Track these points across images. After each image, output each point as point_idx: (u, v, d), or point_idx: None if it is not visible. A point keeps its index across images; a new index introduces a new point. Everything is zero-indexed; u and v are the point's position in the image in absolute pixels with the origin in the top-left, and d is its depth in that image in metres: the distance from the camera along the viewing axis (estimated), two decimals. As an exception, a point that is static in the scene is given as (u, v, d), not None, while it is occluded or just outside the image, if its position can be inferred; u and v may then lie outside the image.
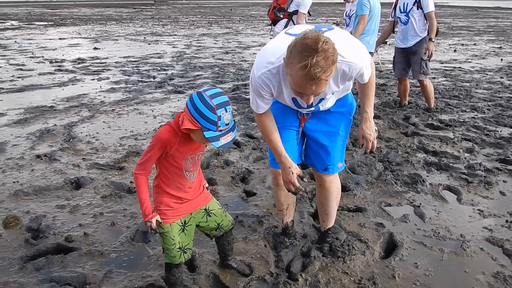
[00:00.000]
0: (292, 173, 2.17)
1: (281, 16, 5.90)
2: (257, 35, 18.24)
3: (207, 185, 2.35)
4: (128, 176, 3.74)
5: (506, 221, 3.11)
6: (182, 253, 2.14)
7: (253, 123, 5.45)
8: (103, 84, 7.72)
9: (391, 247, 2.83)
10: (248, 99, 6.72)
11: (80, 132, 4.93)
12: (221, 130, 1.84)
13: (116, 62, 10.37)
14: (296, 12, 5.97)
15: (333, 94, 2.25)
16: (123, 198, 3.35)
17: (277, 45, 2.00)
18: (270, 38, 6.44)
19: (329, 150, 2.46)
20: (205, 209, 2.24)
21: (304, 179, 2.22)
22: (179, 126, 1.93)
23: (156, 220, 2.01)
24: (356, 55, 2.03)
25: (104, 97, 6.77)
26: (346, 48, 1.94)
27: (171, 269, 2.19)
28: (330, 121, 2.44)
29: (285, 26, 5.84)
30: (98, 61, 10.57)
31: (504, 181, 3.80)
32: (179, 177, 2.05)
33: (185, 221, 2.15)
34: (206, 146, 2.18)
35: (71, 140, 4.62)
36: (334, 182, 2.60)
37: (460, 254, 2.71)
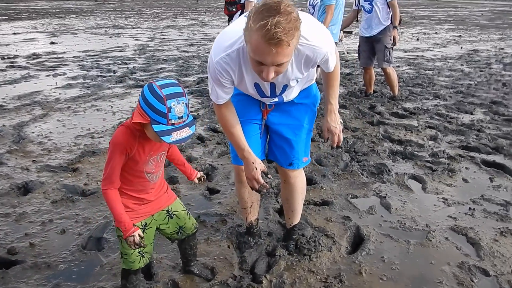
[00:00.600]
0: (256, 169, 2.05)
1: (234, 9, 5.77)
2: (223, 26, 17.94)
3: (199, 175, 2.23)
4: (82, 178, 3.52)
5: (469, 208, 3.10)
6: (141, 258, 1.98)
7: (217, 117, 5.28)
8: (59, 80, 7.33)
9: (358, 241, 2.76)
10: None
11: (31, 132, 4.63)
12: (173, 124, 1.66)
13: (74, 57, 9.92)
14: None
15: (297, 82, 2.11)
16: (76, 202, 3.13)
17: (235, 28, 1.86)
18: None
19: (293, 144, 2.34)
20: (167, 211, 2.08)
21: (268, 176, 2.09)
22: (136, 127, 1.77)
23: (139, 234, 1.83)
24: (321, 39, 1.90)
25: (60, 94, 6.43)
26: (310, 31, 1.82)
27: (129, 276, 2.03)
28: (294, 113, 2.32)
29: None
30: (55, 56, 10.08)
31: (466, 168, 3.81)
32: (140, 179, 1.89)
33: (145, 223, 1.98)
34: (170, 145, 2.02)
35: (20, 141, 4.32)
36: (299, 177, 2.48)
37: (426, 245, 2.67)
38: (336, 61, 2.09)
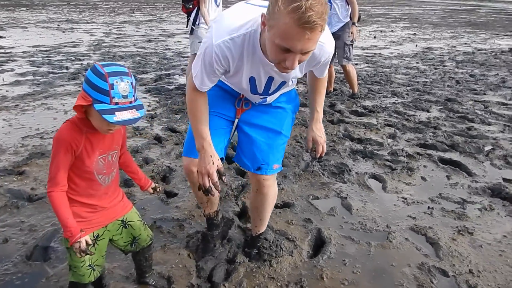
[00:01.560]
0: (213, 163, 1.86)
1: (191, 6, 5.63)
2: (182, 22, 17.62)
3: (153, 185, 2.08)
4: (29, 182, 3.29)
5: (428, 207, 3.14)
6: (91, 271, 1.83)
7: (176, 116, 5.13)
8: (6, 77, 6.91)
9: (319, 244, 2.72)
10: (171, 90, 6.38)
11: (-26, 133, 4.31)
12: (116, 103, 1.53)
13: (23, 52, 9.40)
14: None
15: (292, 82, 2.04)
16: (21, 208, 2.90)
17: (240, 13, 1.74)
18: (187, 29, 6.14)
19: (264, 147, 2.15)
20: (122, 220, 1.93)
21: (223, 178, 1.89)
22: (82, 119, 1.63)
23: (86, 240, 1.66)
24: (328, 38, 1.81)
25: (7, 91, 6.04)
26: None
27: None
28: (273, 116, 2.18)
29: (197, 14, 5.56)
30: (2, 51, 9.52)
31: (424, 166, 3.86)
32: (90, 182, 1.73)
33: (97, 235, 1.83)
34: (123, 143, 1.90)
35: (-39, 144, 4.01)
36: (272, 187, 2.29)
37: (386, 246, 2.66)
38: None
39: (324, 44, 1.79)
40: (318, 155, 2.20)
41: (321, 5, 1.42)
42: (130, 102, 1.58)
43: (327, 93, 6.23)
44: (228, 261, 2.47)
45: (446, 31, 16.23)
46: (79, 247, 1.64)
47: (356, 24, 5.63)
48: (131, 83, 1.58)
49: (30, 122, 4.72)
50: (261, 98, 2.11)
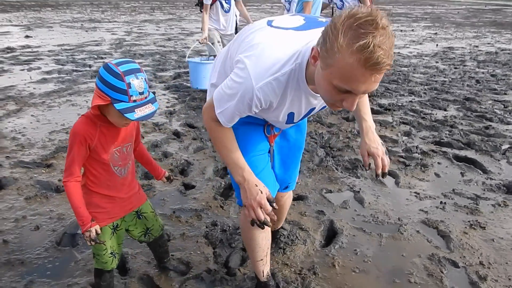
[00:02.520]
0: (261, 192, 1.65)
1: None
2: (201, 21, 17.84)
3: (167, 174, 2.17)
4: (56, 174, 3.47)
5: (441, 202, 3.19)
6: (113, 259, 1.95)
7: (193, 112, 5.28)
8: (33, 75, 7.18)
9: (331, 235, 2.81)
10: (189, 88, 6.52)
11: (4, 128, 4.53)
12: (134, 101, 1.61)
13: (49, 51, 9.71)
14: None
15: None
16: (50, 198, 3.09)
17: (278, 43, 1.53)
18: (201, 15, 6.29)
19: (292, 166, 2.14)
20: (137, 212, 2.03)
21: (274, 204, 1.68)
22: (96, 115, 1.70)
23: (96, 230, 1.74)
24: None
25: (34, 88, 6.30)
26: None
27: (102, 275, 2.01)
28: (295, 135, 2.10)
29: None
30: (29, 50, 9.86)
31: (438, 163, 3.90)
32: (107, 173, 1.82)
33: (116, 225, 1.94)
34: (137, 136, 1.98)
35: (-7, 137, 4.23)
36: (290, 198, 2.34)
37: (397, 238, 2.73)
38: None
39: None
40: (379, 170, 1.83)
41: (389, 38, 1.23)
42: (146, 97, 1.66)
43: (368, 94, 6.24)
44: (243, 249, 2.58)
45: (469, 31, 16.00)
46: (89, 235, 1.72)
47: None
48: (145, 79, 1.65)
49: (56, 118, 4.93)
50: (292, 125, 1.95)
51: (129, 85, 1.58)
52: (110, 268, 1.97)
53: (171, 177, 2.19)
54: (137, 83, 1.60)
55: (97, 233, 1.75)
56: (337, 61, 1.26)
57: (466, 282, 2.34)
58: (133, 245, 2.54)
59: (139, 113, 1.62)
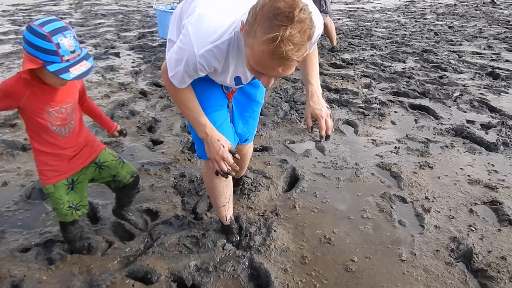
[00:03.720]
0: (223, 146, 1.77)
1: None
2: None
3: (119, 128, 2.18)
4: (21, 134, 3.48)
5: (395, 147, 3.41)
6: (73, 211, 1.97)
7: (159, 71, 5.27)
8: (-12, 37, 6.94)
9: (293, 181, 2.99)
10: (155, 47, 6.47)
11: (-37, 91, 4.44)
12: (67, 60, 1.56)
13: (3, 11, 9.30)
14: None
15: None
16: (16, 156, 3.13)
17: (219, 10, 1.56)
18: None
19: (250, 121, 2.22)
20: (96, 163, 2.02)
21: (236, 155, 1.83)
22: (31, 75, 1.64)
23: None
24: (316, 16, 1.61)
25: (-9, 51, 6.12)
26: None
27: (66, 227, 2.05)
28: (252, 91, 2.15)
29: None
30: (-18, 11, 9.41)
31: (395, 112, 4.12)
32: (46, 132, 1.80)
33: (72, 180, 1.94)
34: (82, 93, 1.97)
35: (-48, 101, 4.15)
36: (250, 148, 2.47)
37: (354, 180, 2.94)
38: None
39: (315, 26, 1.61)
40: (323, 132, 1.89)
41: (302, 34, 1.28)
42: (79, 55, 1.61)
43: (332, 49, 6.33)
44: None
45: (431, -16, 16.16)
46: None
47: None
48: (73, 36, 1.59)
49: (17, 80, 4.84)
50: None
51: (58, 45, 1.53)
52: (71, 220, 2.00)
53: (124, 131, 2.20)
54: (66, 42, 1.55)
55: None
56: (251, 44, 1.35)
57: (412, 214, 2.58)
58: (103, 196, 2.65)
59: (75, 72, 1.58)
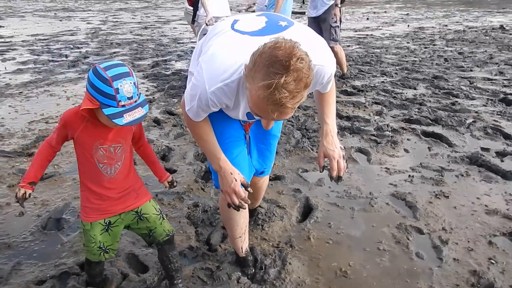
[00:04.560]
0: (235, 180, 1.80)
1: None
2: (177, 8, 17.70)
3: (170, 179, 2.10)
4: (38, 164, 3.54)
5: (409, 175, 3.38)
6: (103, 253, 1.94)
7: (173, 100, 5.36)
8: (8, 65, 7.12)
9: (307, 211, 2.97)
10: (168, 76, 6.58)
11: (-18, 119, 4.55)
12: (123, 105, 1.60)
13: (23, 41, 9.58)
14: None
15: None
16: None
17: (231, 51, 1.62)
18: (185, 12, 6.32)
19: (267, 154, 2.24)
20: (137, 212, 1.97)
21: (248, 189, 1.85)
22: (89, 110, 1.69)
23: (24, 194, 1.77)
24: (326, 57, 1.69)
25: (10, 79, 6.27)
26: (314, 48, 1.55)
27: (91, 264, 2.04)
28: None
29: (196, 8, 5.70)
30: (2, 40, 9.70)
31: (408, 139, 4.11)
32: (93, 169, 1.82)
33: (109, 222, 1.91)
34: (140, 136, 1.98)
35: (-29, 129, 4.26)
36: (266, 180, 2.47)
37: (368, 210, 2.92)
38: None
39: (323, 66, 1.66)
40: (335, 173, 1.89)
41: (297, 82, 1.32)
42: (135, 101, 1.64)
43: (342, 77, 6.36)
44: (224, 228, 2.72)
45: (439, 10, 16.33)
46: (17, 192, 1.78)
47: (339, 6, 5.81)
48: (134, 83, 1.63)
49: (35, 108, 4.96)
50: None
51: (117, 90, 1.58)
52: (97, 260, 1.99)
53: (174, 183, 2.15)
54: (125, 88, 1.60)
55: (24, 197, 1.79)
56: (249, 88, 1.41)
57: (429, 246, 2.54)
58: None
59: (128, 118, 1.61)
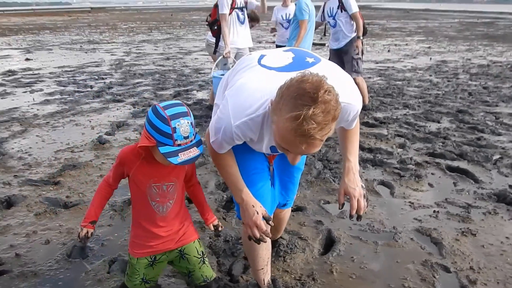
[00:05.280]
0: (257, 213, 1.80)
1: (216, 28, 5.92)
2: (199, 40, 18.17)
3: (216, 223, 2.09)
4: (64, 191, 3.61)
5: (434, 211, 3.32)
6: (143, 283, 1.99)
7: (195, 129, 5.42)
8: (36, 97, 7.37)
9: (329, 243, 2.93)
10: (190, 105, 6.69)
11: (11, 148, 4.68)
12: (179, 145, 1.63)
13: (50, 73, 9.93)
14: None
15: None
16: (59, 214, 3.22)
17: (257, 86, 1.64)
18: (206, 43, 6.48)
19: (291, 186, 2.25)
20: (180, 251, 2.00)
21: (270, 222, 1.84)
22: (145, 148, 1.74)
23: (86, 233, 1.82)
24: (352, 95, 1.68)
25: (38, 109, 6.47)
26: (341, 86, 1.49)
27: None
28: None
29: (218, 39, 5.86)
30: (31, 72, 10.08)
31: (432, 174, 4.05)
32: (146, 205, 1.85)
33: (155, 258, 1.96)
34: (191, 176, 2.00)
35: (0, 158, 4.37)
36: (288, 212, 2.48)
37: (392, 245, 2.86)
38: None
39: (350, 103, 1.66)
40: (354, 212, 1.87)
41: (326, 114, 1.32)
42: (191, 141, 1.67)
43: (364, 108, 6.33)
44: (245, 258, 2.70)
45: (462, 44, 16.30)
46: (80, 232, 1.82)
47: (361, 38, 5.88)
48: (191, 123, 1.65)
49: (61, 138, 5.09)
50: None
51: (174, 129, 1.61)
52: None
53: (220, 227, 2.12)
54: (183, 127, 1.62)
55: (86, 237, 1.82)
56: (277, 122, 1.41)
57: (457, 286, 2.46)
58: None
59: (183, 157, 1.63)
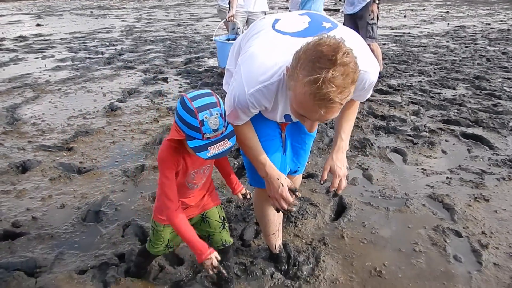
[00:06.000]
0: (282, 185, 1.77)
1: None
2: (210, 5, 17.86)
3: (244, 191, 2.08)
4: (77, 157, 3.65)
5: (447, 177, 3.29)
6: (167, 249, 2.00)
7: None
8: (47, 63, 7.37)
9: (340, 210, 2.94)
10: (201, 72, 6.65)
11: (24, 114, 4.72)
12: (208, 138, 1.52)
13: (61, 39, 9.89)
14: None
15: None
16: (73, 179, 3.27)
17: (271, 52, 1.59)
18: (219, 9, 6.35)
19: (301, 153, 2.22)
20: (202, 215, 1.99)
21: (297, 193, 1.81)
22: (178, 141, 1.66)
23: (216, 257, 1.72)
24: (370, 62, 1.64)
25: (49, 76, 6.48)
26: (358, 52, 1.42)
27: (149, 256, 2.09)
28: None
29: None
30: (42, 38, 10.04)
31: (446, 141, 3.99)
32: (181, 186, 1.81)
33: None
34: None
35: (14, 123, 4.42)
36: (299, 178, 2.49)
37: (404, 211, 2.86)
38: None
39: (367, 71, 1.61)
40: (332, 189, 1.88)
41: (345, 77, 1.28)
42: (221, 133, 1.56)
43: (378, 75, 6.23)
44: (257, 223, 2.73)
45: (481, 8, 15.78)
46: (211, 263, 1.70)
47: (377, 2, 5.69)
48: (221, 114, 1.53)
49: (73, 104, 5.11)
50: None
51: (202, 122, 1.49)
52: (160, 254, 2.06)
53: (248, 195, 2.10)
54: (211, 120, 1.50)
55: (217, 259, 1.72)
56: (294, 87, 1.36)
57: (468, 250, 2.46)
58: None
59: (212, 151, 1.53)
